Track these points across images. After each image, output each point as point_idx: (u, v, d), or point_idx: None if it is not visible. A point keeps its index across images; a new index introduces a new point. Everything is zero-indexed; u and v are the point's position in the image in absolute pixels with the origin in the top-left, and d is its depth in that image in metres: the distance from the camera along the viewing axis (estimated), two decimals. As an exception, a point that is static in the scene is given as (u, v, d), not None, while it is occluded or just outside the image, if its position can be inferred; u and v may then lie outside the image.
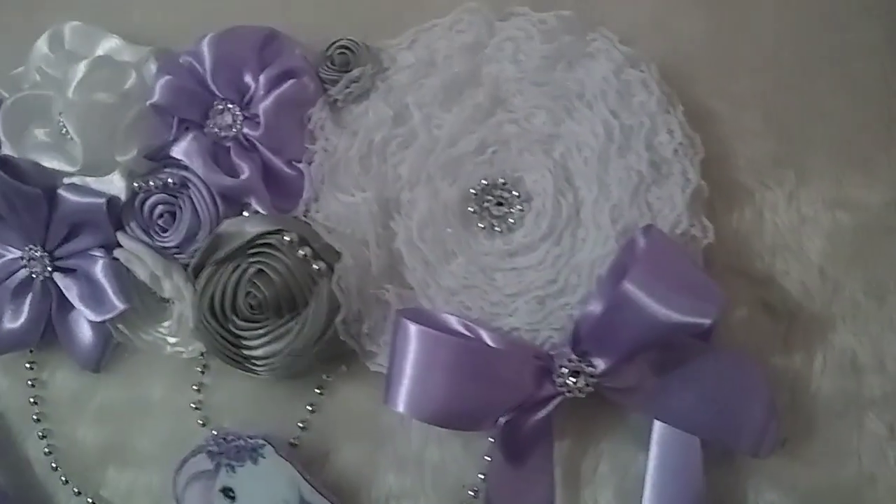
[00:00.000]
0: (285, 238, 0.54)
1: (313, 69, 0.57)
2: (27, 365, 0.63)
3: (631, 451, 0.56)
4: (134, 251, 0.57)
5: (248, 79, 0.57)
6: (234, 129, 0.57)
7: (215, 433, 0.58)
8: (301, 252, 0.54)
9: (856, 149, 0.57)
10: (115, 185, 0.57)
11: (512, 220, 0.56)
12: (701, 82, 0.57)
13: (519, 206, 0.56)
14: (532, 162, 0.55)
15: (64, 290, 0.59)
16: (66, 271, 0.60)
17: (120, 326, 0.60)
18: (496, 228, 0.56)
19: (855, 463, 0.55)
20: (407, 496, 0.57)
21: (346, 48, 0.57)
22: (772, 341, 0.56)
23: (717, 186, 0.56)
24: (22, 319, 0.60)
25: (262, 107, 0.56)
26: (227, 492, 0.57)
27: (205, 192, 0.57)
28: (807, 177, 0.57)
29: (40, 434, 0.62)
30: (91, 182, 0.58)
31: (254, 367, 0.57)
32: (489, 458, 0.55)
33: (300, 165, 0.58)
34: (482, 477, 0.56)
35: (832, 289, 0.56)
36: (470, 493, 0.56)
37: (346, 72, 0.57)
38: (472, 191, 0.56)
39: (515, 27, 0.56)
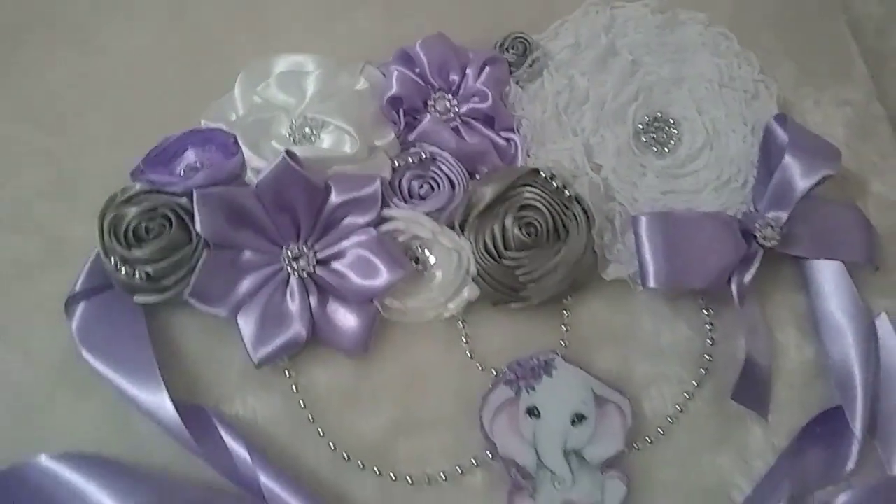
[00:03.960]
0: (543, 174, 0.66)
1: (502, 56, 0.71)
2: (286, 373, 0.65)
3: (795, 296, 0.73)
4: (412, 218, 0.64)
5: (453, 75, 0.70)
6: (450, 113, 0.69)
7: (509, 364, 0.65)
8: (555, 184, 0.66)
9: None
10: (378, 165, 0.65)
11: (673, 142, 0.74)
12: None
13: (674, 130, 0.74)
14: (673, 98, 0.74)
15: (332, 281, 0.64)
16: (324, 263, 0.64)
17: (387, 301, 0.65)
18: (665, 149, 0.73)
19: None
20: (661, 377, 0.69)
21: (522, 38, 0.72)
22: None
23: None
24: (294, 325, 0.63)
25: (479, 85, 0.69)
26: (532, 411, 0.64)
27: (453, 161, 0.67)
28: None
29: (320, 432, 0.64)
30: (349, 169, 0.65)
31: (527, 295, 0.66)
32: (710, 326, 0.70)
33: (504, 135, 0.70)
34: (710, 342, 0.70)
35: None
36: (706, 357, 0.69)
37: (525, 55, 0.72)
38: (640, 126, 0.73)
39: (630, 10, 0.76)
